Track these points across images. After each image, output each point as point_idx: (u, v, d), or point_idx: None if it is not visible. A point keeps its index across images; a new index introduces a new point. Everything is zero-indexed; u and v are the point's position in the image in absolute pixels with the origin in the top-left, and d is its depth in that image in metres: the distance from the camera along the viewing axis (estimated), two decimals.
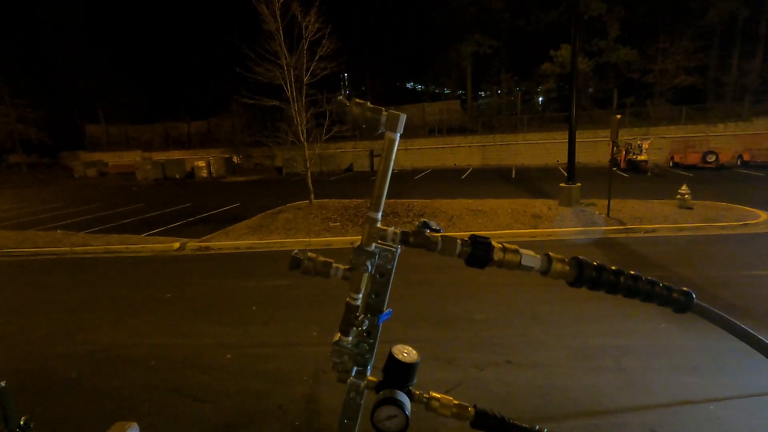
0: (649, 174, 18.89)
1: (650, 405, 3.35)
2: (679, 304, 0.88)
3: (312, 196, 13.03)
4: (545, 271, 0.89)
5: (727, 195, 11.93)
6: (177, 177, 28.29)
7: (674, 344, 4.24)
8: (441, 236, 0.93)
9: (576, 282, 0.89)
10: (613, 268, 0.89)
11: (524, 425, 1.02)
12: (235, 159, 30.98)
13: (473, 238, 0.91)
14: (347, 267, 0.98)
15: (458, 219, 10.38)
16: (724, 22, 27.17)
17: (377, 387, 1.05)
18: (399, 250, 0.98)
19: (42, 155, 36.79)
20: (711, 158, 20.02)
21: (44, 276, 8.15)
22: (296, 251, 1.01)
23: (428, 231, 0.94)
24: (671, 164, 21.60)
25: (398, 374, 1.04)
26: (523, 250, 0.90)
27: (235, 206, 14.72)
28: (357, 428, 1.03)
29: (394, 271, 0.99)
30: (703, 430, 3.04)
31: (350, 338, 1.00)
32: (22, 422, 1.31)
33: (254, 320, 5.34)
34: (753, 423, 3.10)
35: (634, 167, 19.97)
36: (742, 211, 9.99)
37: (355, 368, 1.03)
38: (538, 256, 0.90)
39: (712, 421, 3.12)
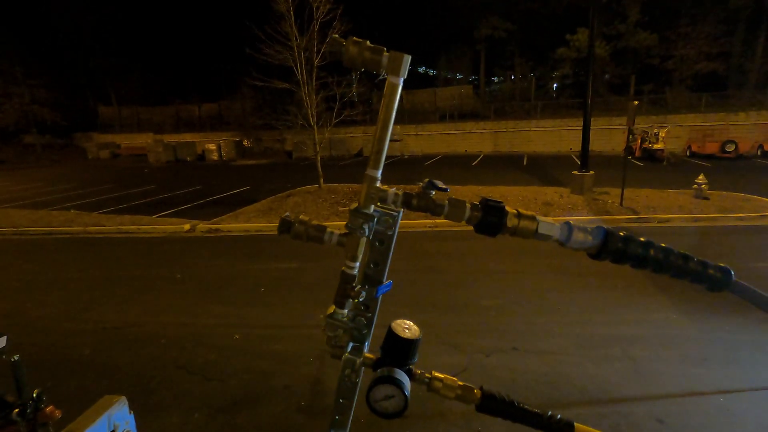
0: (665, 163, 18.47)
1: (658, 395, 3.31)
2: (715, 281, 0.78)
3: (321, 180, 13.00)
4: (564, 241, 0.80)
5: (745, 185, 11.62)
6: (188, 159, 28.42)
7: (685, 335, 4.17)
8: (448, 199, 0.84)
9: (599, 254, 0.79)
10: (641, 239, 0.79)
11: (535, 410, 0.96)
12: (245, 142, 30.99)
13: (484, 201, 0.82)
14: (343, 232, 0.90)
15: None
16: (750, 6, 26.08)
17: (375, 365, 0.97)
18: (401, 214, 0.89)
19: (56, 136, 37.16)
20: (730, 148, 19.47)
21: (58, 254, 8.29)
22: (287, 214, 0.95)
23: (434, 192, 0.84)
24: (688, 153, 21.07)
25: (398, 351, 0.96)
26: (540, 217, 0.81)
27: (244, 189, 14.78)
28: (353, 408, 0.98)
29: (395, 237, 0.90)
30: (711, 422, 3.00)
31: (346, 311, 0.93)
32: (34, 395, 1.32)
33: (262, 301, 5.38)
34: (764, 417, 3.05)
35: (650, 156, 19.51)
36: (761, 202, 9.73)
37: (351, 344, 0.96)
38: (557, 224, 0.81)
39: (721, 413, 3.08)
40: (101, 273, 6.87)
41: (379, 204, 0.87)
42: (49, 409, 1.34)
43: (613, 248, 0.78)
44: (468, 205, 0.82)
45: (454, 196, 0.85)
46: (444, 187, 0.84)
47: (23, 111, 34.23)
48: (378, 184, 0.85)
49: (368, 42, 0.80)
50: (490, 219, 0.81)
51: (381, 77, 0.81)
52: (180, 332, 4.58)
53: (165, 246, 8.54)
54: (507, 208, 0.81)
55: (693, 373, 3.56)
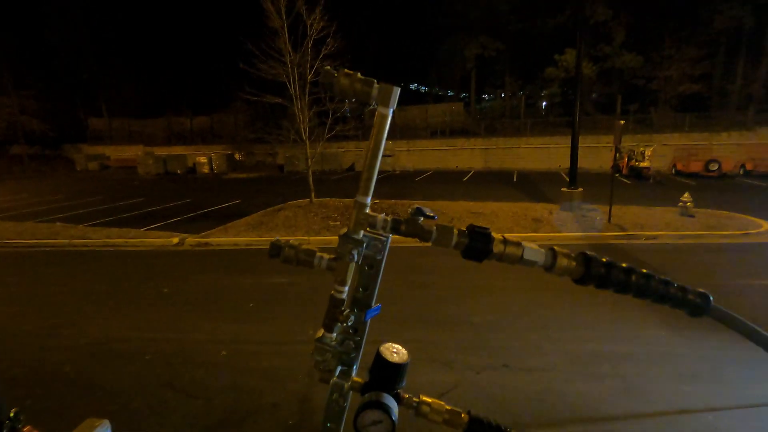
0: (651, 181, 18.84)
1: (648, 413, 3.31)
2: (695, 306, 0.80)
3: (313, 194, 13.00)
4: (549, 267, 0.82)
5: (729, 204, 11.87)
6: (178, 172, 28.25)
7: (674, 352, 4.20)
8: (436, 225, 0.86)
9: (582, 279, 0.81)
10: (623, 265, 0.81)
11: None
12: (236, 156, 30.94)
13: (471, 228, 0.85)
14: (332, 257, 0.91)
15: (458, 221, 10.34)
16: (730, 30, 27.07)
17: (363, 389, 0.97)
18: (389, 240, 0.91)
19: (45, 147, 36.74)
20: (713, 167, 19.96)
21: (42, 267, 8.12)
22: (277, 238, 0.96)
23: (422, 218, 0.86)
24: (673, 172, 21.53)
25: (386, 375, 0.96)
26: (526, 243, 0.83)
27: (235, 203, 14.69)
28: None
29: (384, 262, 0.92)
30: None
31: (334, 335, 0.93)
32: (11, 414, 1.28)
33: (250, 317, 5.31)
34: None
35: (637, 174, 19.90)
36: (744, 220, 9.94)
37: (339, 367, 0.96)
38: (542, 250, 0.83)
39: (710, 431, 3.09)
40: (86, 287, 6.74)
41: (368, 229, 0.89)
42: (26, 429, 1.30)
43: (596, 274, 0.80)
44: (455, 231, 0.84)
45: (441, 222, 0.88)
46: (432, 214, 0.87)
47: (11, 121, 33.87)
48: (368, 210, 0.87)
49: (359, 74, 0.82)
50: (477, 245, 0.83)
51: (371, 107, 0.84)
52: (166, 348, 4.48)
53: (153, 259, 8.42)
54: (493, 234, 0.82)
55: (682, 390, 3.57)
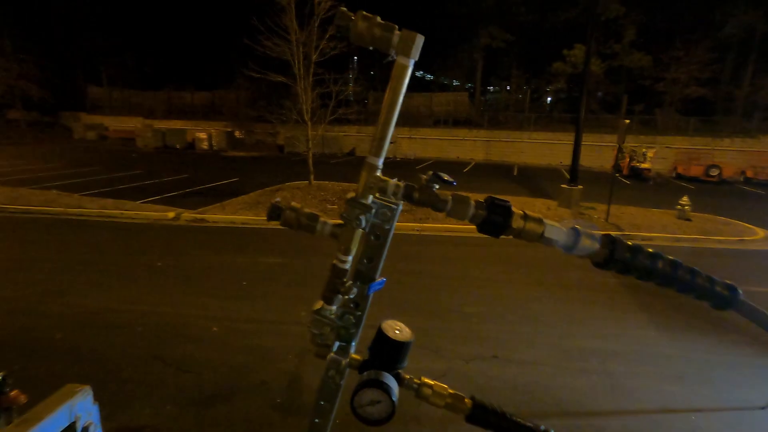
0: (651, 183, 18.85)
1: (632, 410, 3.35)
2: (721, 299, 0.77)
3: (312, 176, 12.92)
4: (570, 248, 0.77)
5: (726, 210, 11.90)
6: (177, 147, 27.99)
7: (662, 352, 4.23)
8: (452, 195, 0.79)
9: (606, 263, 0.76)
10: (650, 250, 0.76)
11: (528, 423, 0.92)
12: (237, 133, 30.64)
13: (491, 200, 0.78)
14: (337, 222, 0.85)
15: None
16: (742, 35, 26.81)
17: (361, 367, 0.92)
18: (400, 208, 0.84)
19: (42, 113, 36.22)
20: (714, 172, 19.97)
21: (36, 235, 8.07)
22: (278, 200, 0.89)
23: (437, 186, 0.79)
24: (674, 175, 21.53)
25: (387, 354, 0.91)
26: (548, 221, 0.77)
27: (233, 181, 14.60)
28: (334, 412, 0.93)
29: (392, 233, 0.85)
30: None
31: (334, 308, 0.87)
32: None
33: (243, 295, 5.31)
34: None
35: (637, 175, 19.90)
36: (740, 227, 9.97)
37: (337, 343, 0.91)
38: (565, 228, 0.77)
39: (692, 430, 3.13)
40: (79, 256, 6.71)
41: (377, 195, 0.82)
42: (13, 393, 1.29)
43: (621, 258, 0.75)
44: (472, 203, 0.78)
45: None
46: (450, 180, 0.80)
47: (9, 85, 33.29)
48: (379, 173, 0.80)
49: (379, 18, 0.75)
50: (495, 218, 0.76)
51: (390, 57, 0.77)
52: (157, 321, 4.48)
53: (148, 232, 8.38)
54: (513, 208, 0.77)
55: (668, 390, 3.61)
